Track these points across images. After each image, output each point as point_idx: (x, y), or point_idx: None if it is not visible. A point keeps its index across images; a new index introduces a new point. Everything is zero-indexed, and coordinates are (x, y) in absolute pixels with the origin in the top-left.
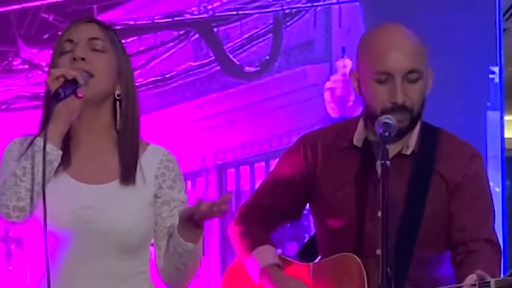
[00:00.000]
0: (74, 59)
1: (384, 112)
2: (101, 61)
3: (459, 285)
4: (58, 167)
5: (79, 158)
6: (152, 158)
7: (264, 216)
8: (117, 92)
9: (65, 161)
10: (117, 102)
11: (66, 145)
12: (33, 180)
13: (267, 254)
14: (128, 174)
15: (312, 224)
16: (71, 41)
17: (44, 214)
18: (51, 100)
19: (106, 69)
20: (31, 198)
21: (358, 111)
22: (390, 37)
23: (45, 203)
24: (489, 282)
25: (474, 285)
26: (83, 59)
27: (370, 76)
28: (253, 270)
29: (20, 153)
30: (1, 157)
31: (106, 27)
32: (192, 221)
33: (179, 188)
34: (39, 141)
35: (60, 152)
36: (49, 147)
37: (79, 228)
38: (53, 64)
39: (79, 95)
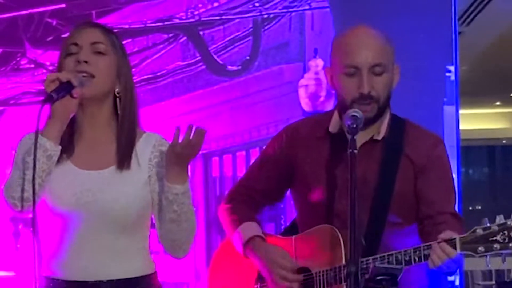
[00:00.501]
0: (78, 61)
1: (353, 101)
2: (102, 63)
3: (428, 243)
4: (62, 156)
5: (82, 148)
6: (146, 144)
7: (250, 197)
8: (117, 89)
9: (69, 151)
10: (117, 99)
11: (70, 137)
12: (34, 173)
13: (251, 228)
14: (123, 161)
15: (288, 207)
16: (76, 44)
17: (33, 203)
18: (43, 101)
19: (107, 70)
20: (37, 190)
21: (329, 105)
22: (358, 36)
23: (34, 197)
24: (455, 239)
25: (440, 241)
26: (86, 61)
27: (341, 70)
28: (238, 243)
29: (29, 148)
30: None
31: (107, 31)
32: (176, 161)
33: None
34: (40, 139)
35: (59, 147)
36: (48, 144)
37: (81, 209)
38: (59, 65)
39: (75, 95)
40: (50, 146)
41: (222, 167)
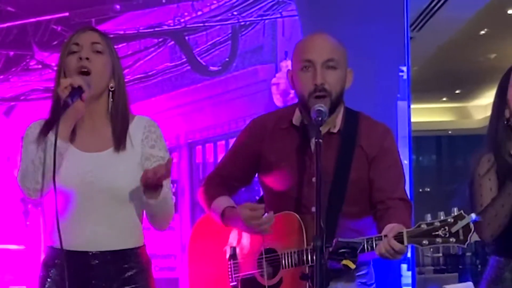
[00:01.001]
0: (81, 58)
1: (309, 95)
2: (100, 60)
3: (379, 235)
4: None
5: (82, 134)
6: (137, 126)
7: (224, 182)
8: (111, 85)
9: (73, 137)
10: (110, 93)
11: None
12: (44, 167)
13: (223, 201)
14: (119, 143)
15: (261, 190)
16: (77, 44)
17: (54, 189)
18: (62, 107)
19: (104, 66)
20: (45, 180)
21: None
22: (313, 38)
23: (55, 186)
24: (402, 233)
25: (386, 236)
26: (87, 58)
27: (298, 67)
28: (216, 217)
29: (36, 136)
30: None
31: (103, 34)
32: (148, 185)
33: (160, 147)
34: (52, 137)
35: (68, 144)
36: (59, 142)
37: (84, 187)
38: (61, 63)
39: (84, 98)
40: (61, 144)
41: (204, 154)
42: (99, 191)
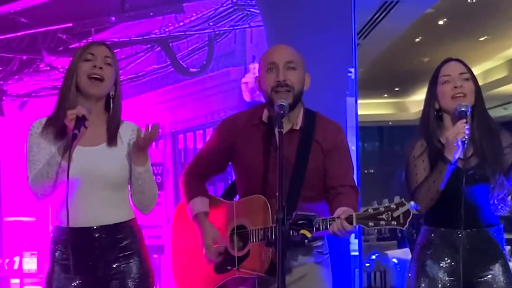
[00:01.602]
0: (95, 66)
1: (273, 89)
2: (109, 72)
3: (332, 217)
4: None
5: (82, 131)
6: (126, 129)
7: (200, 173)
8: (111, 92)
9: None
10: (111, 99)
11: None
12: (54, 179)
13: (199, 204)
14: (111, 140)
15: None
16: (92, 54)
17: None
18: (71, 138)
19: (111, 77)
20: (52, 190)
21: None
22: (276, 46)
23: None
24: (352, 215)
25: (338, 217)
26: (101, 68)
27: (264, 69)
28: (190, 214)
29: (38, 137)
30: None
31: (112, 50)
32: (139, 147)
33: None
34: (62, 163)
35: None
36: (64, 163)
37: (85, 174)
38: (74, 66)
39: (87, 126)
40: (65, 165)
41: (185, 141)
42: (96, 178)
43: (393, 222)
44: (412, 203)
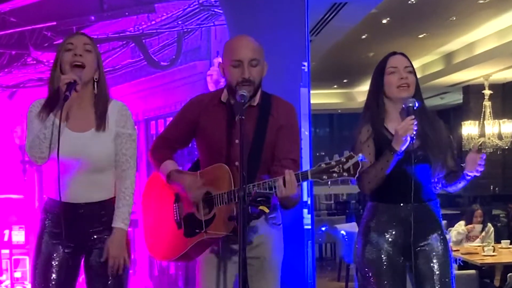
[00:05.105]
0: (75, 54)
1: (237, 84)
2: (90, 57)
3: (277, 178)
4: (63, 123)
5: (73, 116)
6: (113, 109)
7: (168, 144)
8: (95, 76)
9: (67, 120)
10: (95, 83)
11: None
12: (49, 142)
13: (169, 164)
14: (100, 126)
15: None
16: (72, 43)
17: (57, 155)
18: (63, 99)
19: (92, 62)
20: (49, 151)
21: None
22: (241, 40)
23: (59, 152)
24: (307, 171)
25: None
26: (81, 55)
27: (229, 64)
28: (163, 176)
29: (37, 113)
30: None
31: (91, 38)
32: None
33: (128, 126)
34: (56, 121)
35: (65, 123)
36: (57, 121)
37: (75, 157)
38: (58, 58)
39: (77, 89)
40: (61, 125)
41: (157, 127)
42: (85, 162)
43: (344, 174)
44: (360, 155)
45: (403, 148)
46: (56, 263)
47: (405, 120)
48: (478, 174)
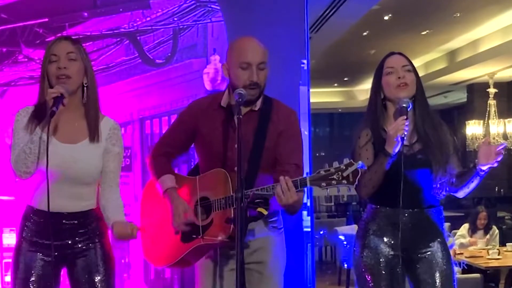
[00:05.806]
0: (59, 68)
1: (244, 87)
2: (75, 67)
3: (274, 184)
4: (51, 135)
5: (61, 127)
6: (105, 125)
7: (166, 151)
8: (85, 81)
9: (55, 130)
10: (85, 88)
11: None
12: (36, 156)
13: (167, 180)
14: (93, 135)
15: (195, 154)
16: (55, 55)
17: (46, 168)
18: (49, 115)
19: (78, 71)
20: (35, 166)
21: (223, 86)
22: (249, 43)
23: (47, 169)
24: (306, 178)
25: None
26: (64, 67)
27: (237, 65)
28: (160, 191)
29: (25, 124)
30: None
31: (75, 42)
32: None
33: (118, 145)
34: (43, 135)
35: (52, 137)
36: (44, 136)
37: (62, 170)
38: (44, 69)
39: (65, 103)
40: (48, 139)
41: (152, 127)
42: (73, 175)
43: (343, 181)
44: (360, 162)
45: (396, 149)
46: (36, 275)
47: (397, 121)
48: (495, 165)
